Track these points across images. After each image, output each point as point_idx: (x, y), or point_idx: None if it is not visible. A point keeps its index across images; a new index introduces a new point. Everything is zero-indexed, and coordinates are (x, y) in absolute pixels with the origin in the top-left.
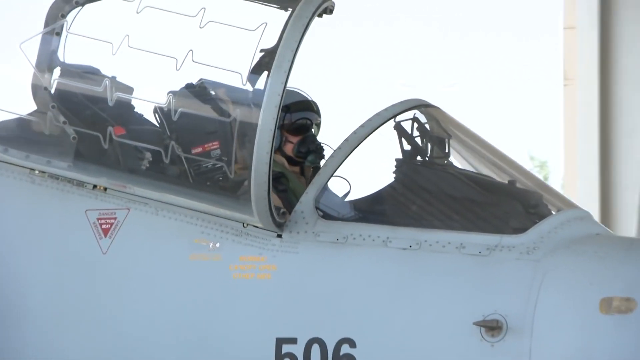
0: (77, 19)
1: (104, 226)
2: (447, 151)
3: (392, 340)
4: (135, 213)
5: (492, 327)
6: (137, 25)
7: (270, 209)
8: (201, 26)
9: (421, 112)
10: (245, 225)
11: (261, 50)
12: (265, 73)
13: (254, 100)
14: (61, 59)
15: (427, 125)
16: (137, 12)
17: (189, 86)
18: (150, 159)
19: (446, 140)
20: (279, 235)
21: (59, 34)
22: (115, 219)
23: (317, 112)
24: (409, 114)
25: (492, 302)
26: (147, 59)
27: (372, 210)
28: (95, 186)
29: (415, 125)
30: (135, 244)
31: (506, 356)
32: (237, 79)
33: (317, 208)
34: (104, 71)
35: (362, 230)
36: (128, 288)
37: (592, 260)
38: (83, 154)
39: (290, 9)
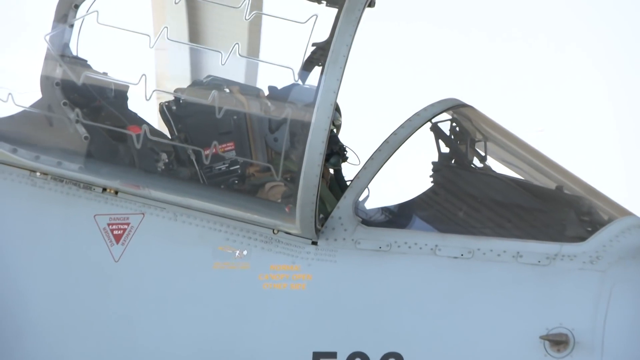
0: (104, 9)
1: (115, 232)
2: (484, 154)
3: (445, 356)
4: (150, 218)
5: (558, 342)
6: (175, 17)
7: (316, 215)
8: (247, 18)
9: (457, 113)
10: (275, 231)
11: (313, 44)
12: (317, 68)
13: (289, 98)
14: (74, 53)
15: (465, 126)
16: (176, 3)
17: (196, 83)
18: (167, 160)
19: (484, 142)
20: (314, 243)
21: (72, 26)
22: (128, 224)
23: (339, 112)
24: (446, 115)
25: (557, 315)
26: (187, 52)
27: (416, 216)
28: (105, 189)
29: (454, 126)
30: (151, 251)
31: None
32: (289, 74)
33: (356, 213)
34: (142, 67)
35: (407, 238)
36: (144, 299)
37: None
38: (94, 155)
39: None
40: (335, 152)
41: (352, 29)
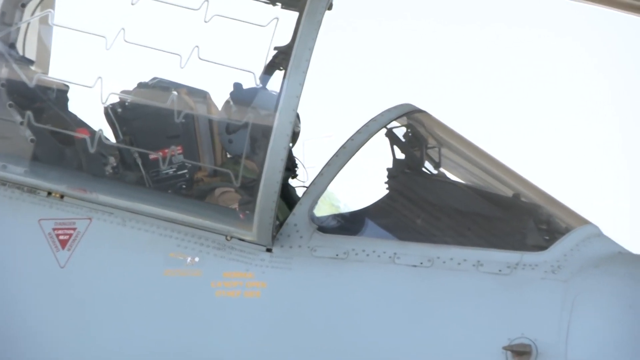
0: (61, 9)
1: (61, 237)
2: (438, 161)
3: None
4: (98, 223)
5: (521, 352)
6: (133, 18)
7: (274, 222)
8: (206, 20)
9: (412, 119)
10: (229, 238)
11: (275, 48)
12: (278, 72)
13: (243, 101)
14: (20, 53)
15: (419, 132)
16: (132, 4)
17: (142, 85)
18: (115, 163)
19: (438, 148)
20: (269, 250)
21: (18, 28)
22: (74, 229)
23: (298, 118)
24: (402, 121)
25: (519, 324)
26: (145, 55)
27: (374, 223)
28: (50, 193)
29: (408, 132)
30: (99, 258)
31: None
32: (250, 78)
33: (312, 220)
34: (93, 68)
35: (365, 245)
36: (91, 307)
37: (627, 281)
38: (40, 158)
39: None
40: (287, 167)
41: (314, 32)
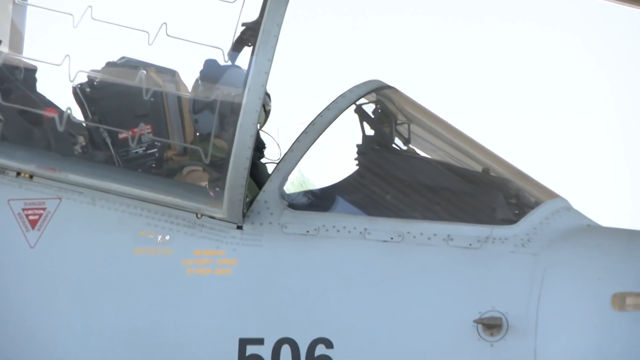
0: None
1: (31, 217)
2: (407, 137)
3: (375, 340)
4: (68, 203)
5: (492, 326)
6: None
7: (244, 199)
8: None
9: (381, 95)
10: (199, 215)
11: (242, 24)
12: (247, 48)
13: (211, 79)
14: None
15: (388, 108)
16: None
17: (110, 64)
18: (84, 143)
19: (407, 124)
20: (239, 227)
21: None
22: (44, 209)
23: (269, 97)
24: (371, 97)
25: (490, 298)
26: (114, 32)
27: (344, 199)
28: (19, 173)
29: (377, 108)
30: (69, 237)
31: (508, 357)
32: (218, 55)
33: (282, 197)
34: (61, 46)
35: (335, 221)
36: (62, 287)
37: (596, 253)
38: (8, 138)
39: None
40: (257, 147)
41: (283, 8)
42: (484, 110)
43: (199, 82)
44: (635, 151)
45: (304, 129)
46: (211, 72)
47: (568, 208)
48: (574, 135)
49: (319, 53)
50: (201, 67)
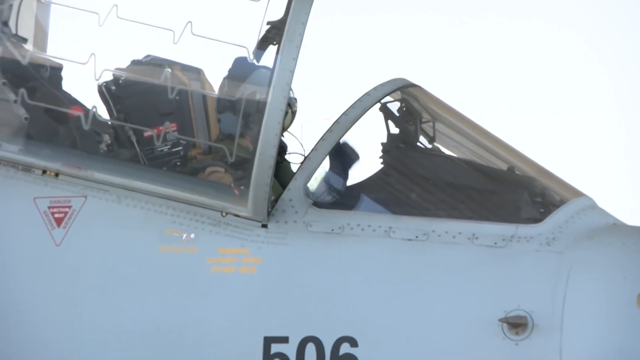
0: None
1: (56, 215)
2: (433, 135)
3: (400, 339)
4: (93, 201)
5: (517, 324)
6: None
7: (269, 197)
8: None
9: (406, 93)
10: (224, 214)
11: (268, 23)
12: (272, 47)
13: (237, 78)
14: (13, 31)
15: (413, 106)
16: None
17: (135, 62)
18: (110, 141)
19: (432, 123)
20: (264, 225)
21: (10, 5)
22: (70, 207)
23: (295, 99)
24: (396, 95)
25: (514, 297)
26: (140, 31)
27: (368, 197)
28: (45, 171)
29: (402, 106)
30: (94, 235)
31: (533, 355)
32: (239, 54)
33: (307, 195)
34: (86, 45)
35: (360, 220)
36: (87, 285)
37: (622, 253)
38: (35, 136)
39: None
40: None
41: (308, 6)
42: (509, 109)
43: (225, 80)
44: None
45: (328, 127)
46: (238, 71)
47: (593, 207)
48: (601, 134)
49: (343, 50)
50: (229, 66)
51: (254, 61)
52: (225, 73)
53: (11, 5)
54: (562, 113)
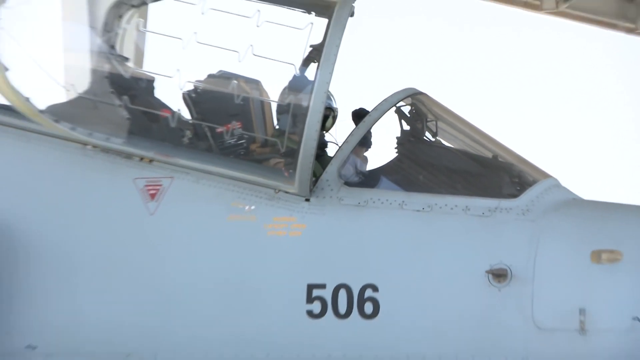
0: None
1: (151, 192)
2: (435, 131)
3: (410, 285)
4: (178, 181)
5: (499, 275)
6: (203, 24)
7: (311, 178)
8: (258, 25)
9: (415, 99)
10: (277, 191)
11: (310, 46)
12: (313, 64)
13: (294, 88)
14: (118, 52)
15: (421, 109)
16: (202, 14)
17: (210, 76)
18: (190, 135)
19: (435, 122)
20: (307, 200)
21: (116, 33)
22: (160, 185)
23: (334, 109)
24: (407, 101)
25: (498, 254)
26: (212, 53)
27: (386, 178)
28: (142, 158)
29: (412, 110)
30: (179, 207)
31: (512, 299)
32: (289, 70)
33: (340, 177)
34: (172, 65)
35: (380, 195)
36: (174, 244)
37: (579, 220)
38: (134, 132)
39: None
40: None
41: (340, 33)
42: (495, 108)
43: (279, 90)
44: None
45: (356, 126)
46: (288, 83)
47: (558, 185)
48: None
49: (365, 63)
50: (282, 79)
51: (300, 75)
52: (279, 85)
53: (117, 33)
54: (550, 111)
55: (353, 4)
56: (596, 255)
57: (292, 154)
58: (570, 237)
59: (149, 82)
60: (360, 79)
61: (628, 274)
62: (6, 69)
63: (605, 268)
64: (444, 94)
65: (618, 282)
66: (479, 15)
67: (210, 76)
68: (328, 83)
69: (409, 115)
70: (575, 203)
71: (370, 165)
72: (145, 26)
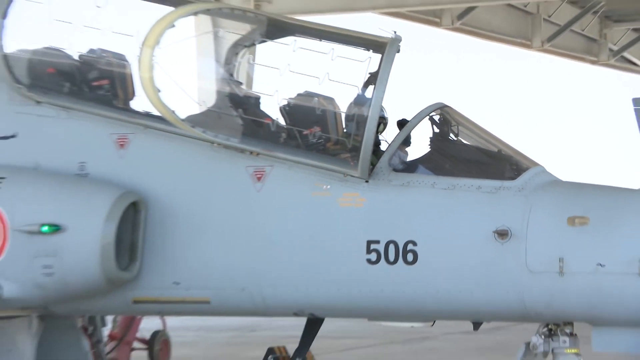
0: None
1: (257, 175)
2: (457, 133)
3: (440, 241)
4: (277, 168)
5: (502, 234)
6: (294, 59)
7: (369, 166)
8: (332, 59)
9: (443, 110)
10: (345, 175)
11: (369, 73)
12: (371, 87)
13: (358, 103)
14: (235, 78)
15: (447, 118)
16: (294, 51)
17: (299, 95)
18: (285, 136)
19: (457, 126)
20: (367, 181)
21: (234, 65)
22: (264, 171)
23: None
24: (437, 111)
25: (501, 219)
26: (300, 78)
27: (422, 166)
28: (251, 152)
29: (441, 118)
30: (277, 187)
31: (511, 252)
32: (353, 91)
33: (389, 165)
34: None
35: (417, 178)
36: (273, 212)
37: (560, 196)
38: (245, 134)
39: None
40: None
41: (390, 65)
42: (499, 117)
43: (348, 104)
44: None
45: (400, 130)
46: (355, 99)
47: (544, 171)
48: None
49: (406, 86)
50: (349, 97)
51: (361, 94)
52: (347, 101)
53: (234, 65)
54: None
55: (399, 44)
56: (571, 220)
57: (356, 150)
58: (553, 207)
59: (256, 99)
60: (403, 97)
61: (593, 233)
62: (159, 91)
63: (577, 229)
64: (462, 106)
65: (586, 239)
66: (486, 51)
67: (299, 95)
68: (381, 99)
69: (438, 122)
70: (556, 183)
71: (410, 157)
72: (253, 60)
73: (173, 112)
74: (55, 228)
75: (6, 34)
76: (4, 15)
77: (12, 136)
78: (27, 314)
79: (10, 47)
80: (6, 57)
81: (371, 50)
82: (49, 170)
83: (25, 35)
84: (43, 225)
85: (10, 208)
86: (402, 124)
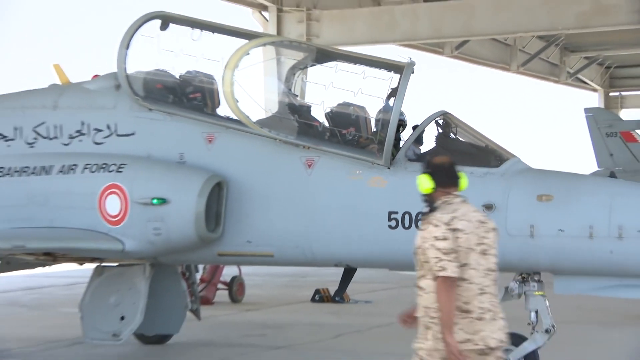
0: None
1: (308, 163)
2: (456, 133)
3: None
4: (322, 158)
5: (489, 207)
6: (336, 77)
7: (391, 156)
8: (364, 78)
9: (445, 115)
10: (372, 163)
11: (391, 88)
12: (392, 98)
13: (382, 110)
14: (293, 92)
15: (449, 122)
16: (335, 72)
17: (339, 104)
18: (328, 134)
19: (456, 128)
20: (388, 168)
21: (292, 82)
22: (314, 161)
23: (405, 121)
24: (441, 117)
25: (488, 196)
26: (340, 92)
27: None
28: (304, 146)
29: (444, 122)
30: (323, 172)
31: (495, 219)
32: (379, 101)
33: (406, 156)
34: (317, 100)
35: None
36: (320, 191)
37: (532, 179)
38: (300, 133)
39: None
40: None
41: (407, 82)
42: (486, 120)
43: (375, 111)
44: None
45: (413, 131)
46: (381, 108)
47: (520, 161)
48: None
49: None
50: (377, 106)
51: (385, 104)
52: (375, 109)
53: (292, 82)
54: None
55: (413, 67)
56: (539, 197)
57: (381, 144)
58: (526, 187)
59: (308, 107)
60: (415, 105)
61: (556, 207)
62: (237, 101)
63: (544, 204)
64: (459, 113)
65: (551, 211)
66: (477, 73)
67: (339, 104)
68: (400, 108)
69: (441, 125)
70: (529, 170)
71: (421, 151)
72: (306, 79)
73: (247, 116)
74: (162, 201)
75: (128, 60)
76: (127, 47)
77: (132, 134)
78: (142, 262)
79: (131, 69)
80: (128, 77)
81: (392, 72)
82: (158, 158)
83: (142, 60)
84: (154, 198)
85: (130, 186)
86: (415, 127)
